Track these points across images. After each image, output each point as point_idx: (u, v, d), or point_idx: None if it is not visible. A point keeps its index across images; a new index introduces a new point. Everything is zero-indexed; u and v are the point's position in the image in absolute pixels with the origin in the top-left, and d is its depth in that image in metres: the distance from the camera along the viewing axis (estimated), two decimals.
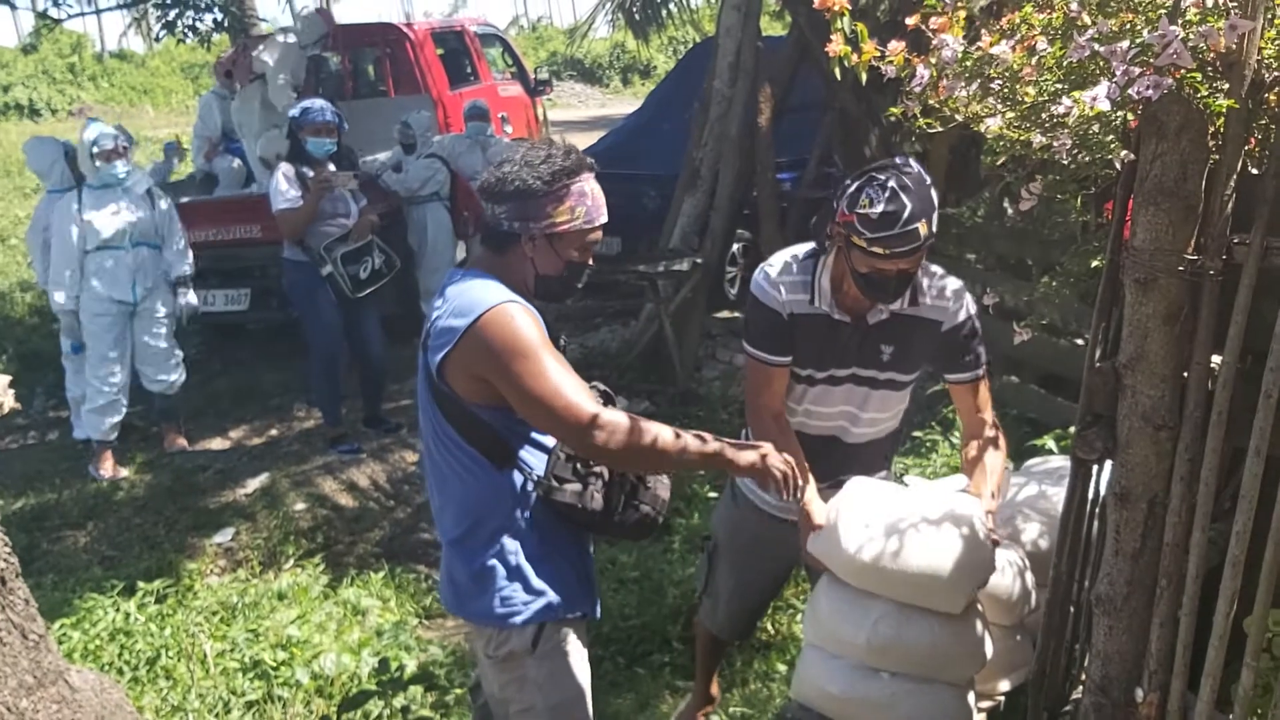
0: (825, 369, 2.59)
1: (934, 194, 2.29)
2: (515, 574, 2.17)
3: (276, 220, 5.39)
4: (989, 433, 2.60)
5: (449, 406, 2.12)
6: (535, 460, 2.17)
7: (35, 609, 2.27)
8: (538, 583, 2.18)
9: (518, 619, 2.16)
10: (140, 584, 4.13)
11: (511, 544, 2.17)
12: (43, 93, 24.96)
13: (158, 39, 17.90)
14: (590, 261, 2.22)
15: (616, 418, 2.01)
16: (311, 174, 5.34)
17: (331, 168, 5.46)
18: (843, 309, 2.51)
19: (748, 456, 2.08)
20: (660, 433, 2.04)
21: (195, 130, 8.30)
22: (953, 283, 2.56)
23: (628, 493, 2.22)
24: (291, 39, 7.16)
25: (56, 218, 5.34)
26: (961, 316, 2.53)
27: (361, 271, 5.45)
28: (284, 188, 5.30)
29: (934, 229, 2.28)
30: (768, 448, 2.11)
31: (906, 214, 2.22)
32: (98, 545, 4.85)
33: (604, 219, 2.19)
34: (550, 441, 2.16)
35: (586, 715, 2.31)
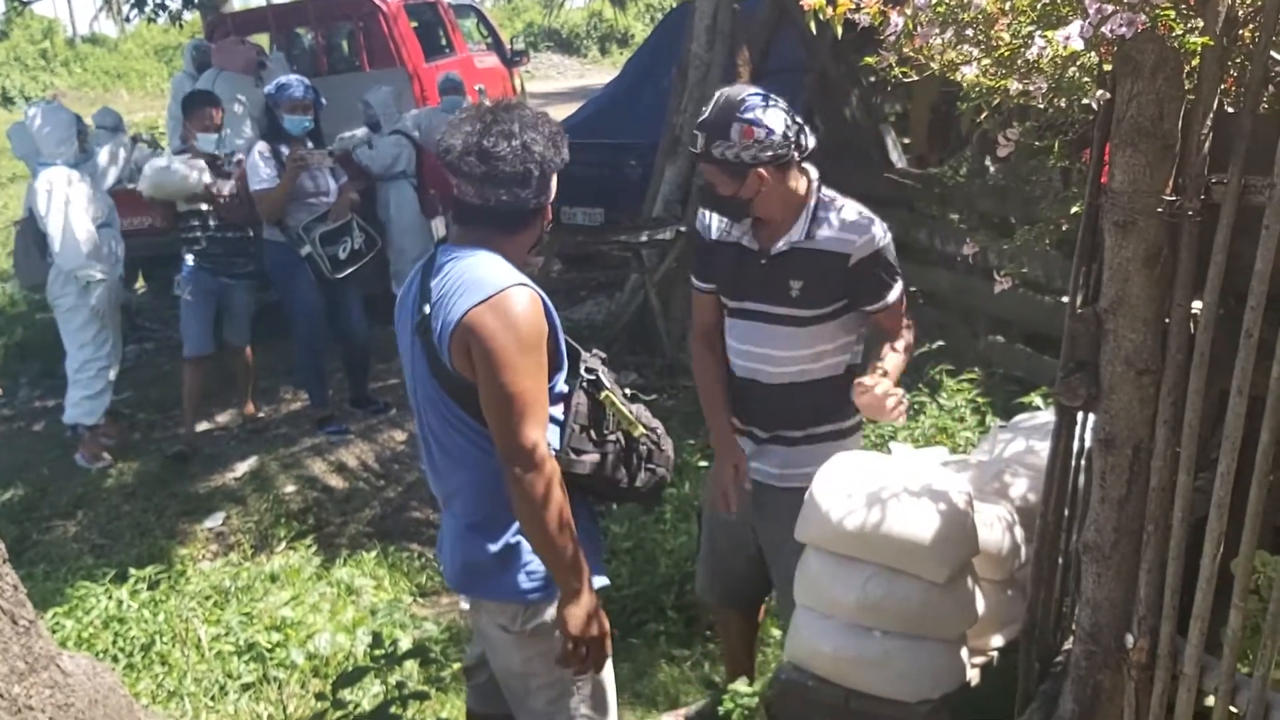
0: (736, 299, 2.69)
1: (742, 118, 2.45)
2: None
3: (255, 201, 5.34)
4: (902, 332, 2.70)
5: (460, 391, 2.07)
6: (550, 435, 2.13)
7: (24, 594, 2.25)
8: None
9: (547, 591, 2.15)
10: (132, 571, 4.12)
11: None
12: (15, 80, 24.66)
13: (128, 20, 17.66)
14: None
15: (549, 470, 2.00)
16: (288, 152, 5.29)
17: (309, 145, 5.41)
18: (756, 237, 2.64)
19: (584, 622, 2.08)
20: (561, 518, 2.02)
21: (169, 112, 8.19)
22: (855, 213, 2.63)
23: (643, 457, 2.22)
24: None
25: (73, 192, 5.23)
26: (870, 249, 2.58)
27: (341, 252, 5.40)
28: (260, 168, 5.24)
29: (717, 151, 2.47)
30: (600, 637, 2.12)
31: (700, 122, 2.50)
32: (88, 534, 4.84)
33: None
34: (560, 414, 2.14)
35: (612, 682, 2.32)
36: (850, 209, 2.63)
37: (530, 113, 2.12)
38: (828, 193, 2.65)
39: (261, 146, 5.31)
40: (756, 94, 2.52)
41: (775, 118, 2.49)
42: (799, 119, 2.56)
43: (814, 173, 2.65)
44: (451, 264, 2.08)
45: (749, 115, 2.47)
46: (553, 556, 2.07)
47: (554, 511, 2.01)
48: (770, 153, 2.49)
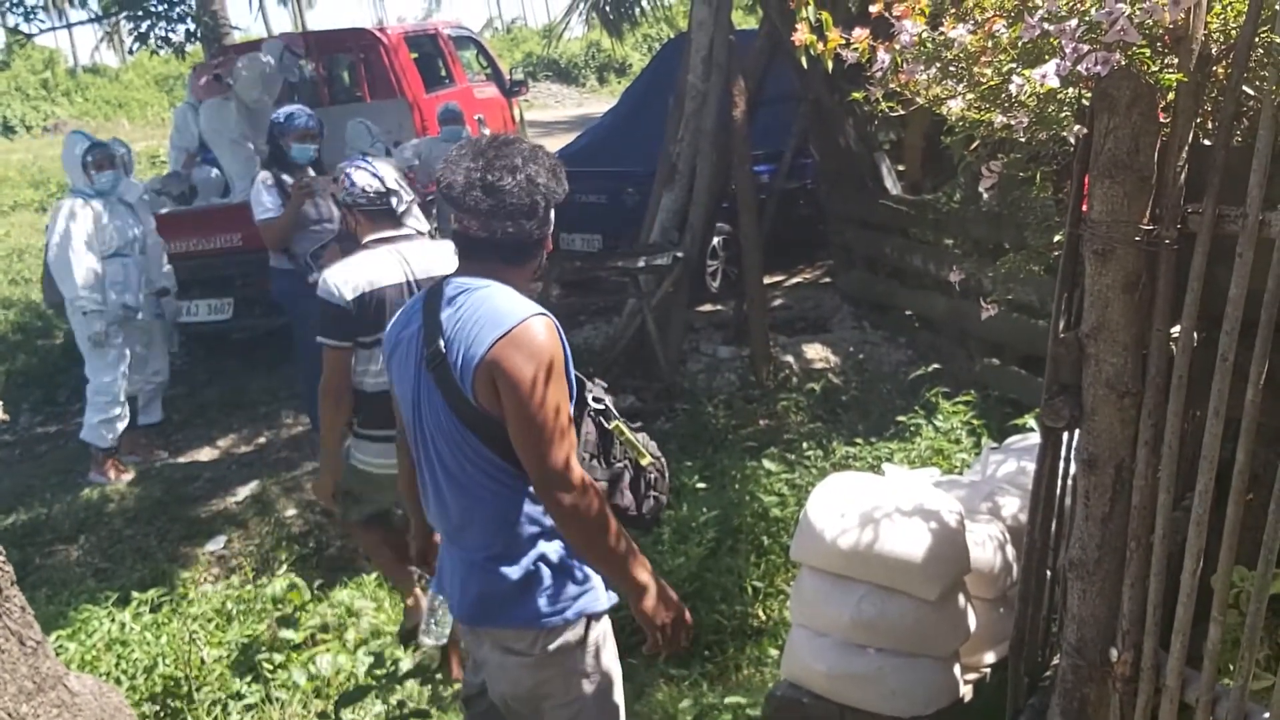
0: None
1: (344, 168, 3.38)
2: (560, 571, 2.17)
3: (260, 231, 5.39)
4: None
5: (481, 425, 2.08)
6: None
7: (31, 616, 2.29)
8: (582, 576, 2.19)
9: (569, 613, 2.17)
10: (135, 594, 4.14)
11: (550, 545, 2.17)
12: (16, 109, 24.87)
13: (131, 52, 17.81)
14: None
15: (588, 486, 2.03)
16: (292, 181, 5.35)
17: (311, 173, 5.48)
18: None
19: (657, 612, 2.13)
20: (615, 531, 2.06)
21: (172, 141, 8.29)
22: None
23: (650, 484, 2.26)
24: (265, 58, 7.20)
25: (76, 222, 5.34)
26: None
27: None
28: (264, 198, 5.30)
29: None
30: (678, 614, 2.17)
31: None
32: (90, 558, 4.87)
33: None
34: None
35: (622, 699, 2.35)
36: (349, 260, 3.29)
37: (528, 146, 2.16)
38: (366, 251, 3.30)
39: (265, 175, 5.35)
40: (360, 158, 3.37)
41: (360, 177, 3.32)
42: (387, 188, 3.31)
43: (379, 233, 3.32)
44: (464, 297, 2.09)
45: (348, 167, 3.34)
46: (613, 566, 2.11)
47: (603, 524, 2.05)
48: (349, 198, 3.32)
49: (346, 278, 3.20)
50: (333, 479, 3.52)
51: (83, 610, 4.04)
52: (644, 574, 2.12)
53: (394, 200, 3.31)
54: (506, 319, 2.02)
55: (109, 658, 3.73)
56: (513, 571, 2.15)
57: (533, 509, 2.15)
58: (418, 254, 3.28)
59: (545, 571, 2.16)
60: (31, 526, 5.19)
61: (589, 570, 2.21)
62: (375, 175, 3.32)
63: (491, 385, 2.02)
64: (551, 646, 2.18)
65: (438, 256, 3.29)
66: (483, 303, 2.06)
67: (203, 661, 3.69)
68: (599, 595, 2.22)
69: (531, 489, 2.11)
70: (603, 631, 2.26)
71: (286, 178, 5.34)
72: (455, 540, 2.24)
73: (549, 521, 2.15)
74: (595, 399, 2.21)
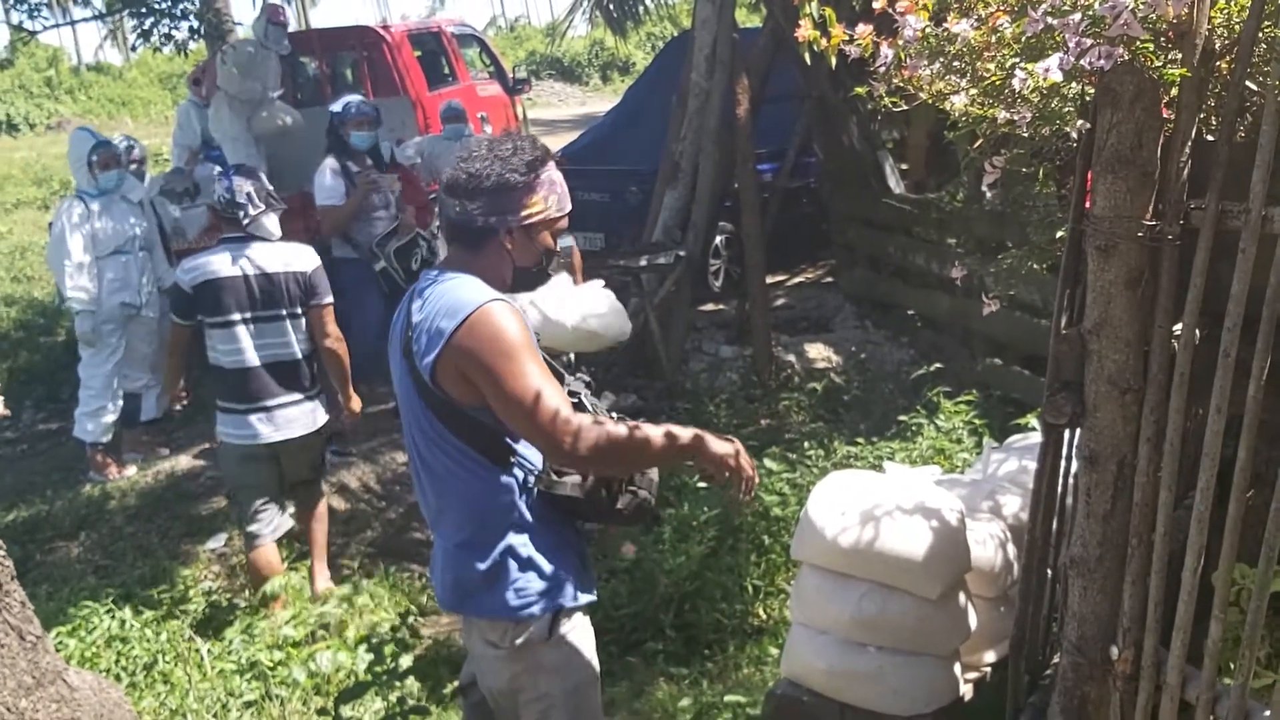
0: None
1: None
2: (527, 565, 2.18)
3: (319, 215, 5.57)
4: None
5: (445, 412, 2.12)
6: (534, 455, 2.18)
7: (31, 611, 2.29)
8: (550, 571, 2.20)
9: (535, 608, 2.18)
10: (135, 591, 4.15)
11: (519, 538, 2.18)
12: (20, 107, 24.87)
13: (134, 49, 17.81)
14: (556, 247, 2.28)
15: (591, 424, 2.03)
16: (356, 169, 5.47)
17: (369, 162, 5.65)
18: None
19: (722, 448, 2.13)
20: (634, 430, 2.07)
21: (175, 139, 8.27)
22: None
23: (625, 479, 2.25)
24: (250, 48, 7.20)
25: (70, 221, 5.38)
26: None
27: (413, 263, 5.62)
28: (328, 182, 5.45)
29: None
30: (739, 446, 2.16)
31: None
32: (91, 555, 4.87)
33: (569, 205, 2.24)
34: None
35: (598, 697, 2.35)
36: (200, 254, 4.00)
37: (508, 137, 2.18)
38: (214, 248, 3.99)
39: (331, 163, 5.53)
40: (225, 171, 3.99)
41: (219, 187, 3.96)
42: (235, 200, 3.89)
43: (228, 233, 3.97)
44: (431, 289, 2.14)
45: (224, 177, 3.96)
46: (662, 456, 2.12)
47: (620, 440, 2.04)
48: (212, 200, 4.07)
49: (191, 267, 3.93)
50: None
51: (83, 607, 4.04)
52: (688, 435, 2.12)
53: (240, 212, 3.93)
54: (463, 308, 2.06)
55: (109, 654, 3.74)
56: (480, 563, 2.18)
57: (501, 500, 2.17)
58: (254, 252, 3.95)
59: (511, 564, 2.17)
60: (33, 523, 5.19)
61: (559, 566, 2.21)
62: (229, 189, 3.93)
63: (457, 373, 2.06)
64: (519, 640, 2.20)
65: (271, 255, 3.96)
66: (445, 294, 2.10)
67: (202, 659, 3.69)
68: (569, 591, 2.22)
69: (502, 479, 2.15)
70: (573, 628, 2.26)
71: (352, 165, 5.53)
72: (435, 526, 2.30)
73: (518, 515, 2.17)
74: (570, 392, 2.22)
